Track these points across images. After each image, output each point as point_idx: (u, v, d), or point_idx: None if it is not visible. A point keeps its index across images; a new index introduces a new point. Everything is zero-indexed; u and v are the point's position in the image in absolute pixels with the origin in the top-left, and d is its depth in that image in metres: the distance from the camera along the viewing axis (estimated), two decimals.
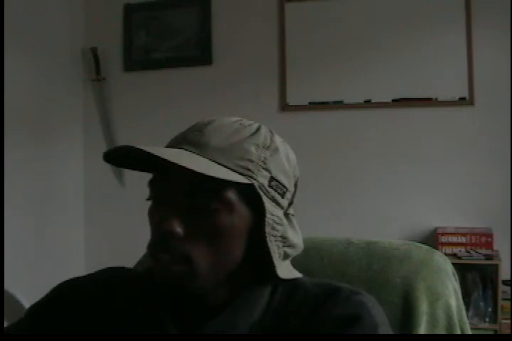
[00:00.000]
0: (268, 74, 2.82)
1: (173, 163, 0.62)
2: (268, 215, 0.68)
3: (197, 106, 2.87)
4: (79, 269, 2.89)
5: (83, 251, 3.01)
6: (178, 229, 0.65)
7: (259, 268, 0.72)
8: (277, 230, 0.70)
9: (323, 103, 2.75)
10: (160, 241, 0.66)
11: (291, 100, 2.79)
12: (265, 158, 0.69)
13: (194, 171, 0.62)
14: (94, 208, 3.03)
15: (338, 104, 2.73)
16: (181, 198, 0.66)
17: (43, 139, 2.74)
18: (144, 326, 0.71)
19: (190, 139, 0.69)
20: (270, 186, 0.69)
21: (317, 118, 2.77)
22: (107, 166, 3.00)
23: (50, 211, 2.77)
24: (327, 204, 2.73)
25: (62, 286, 0.80)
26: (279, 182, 0.70)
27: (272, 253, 0.70)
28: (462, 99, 2.59)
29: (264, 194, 0.68)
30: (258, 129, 0.72)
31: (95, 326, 0.73)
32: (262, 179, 0.68)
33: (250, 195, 0.68)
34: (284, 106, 2.80)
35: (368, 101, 2.70)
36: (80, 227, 3.02)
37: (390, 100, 2.67)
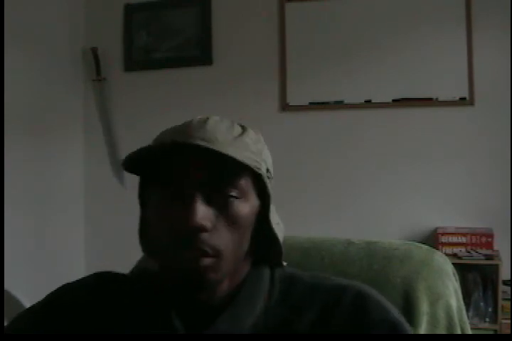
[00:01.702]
0: (268, 74, 2.82)
1: (193, 158, 0.66)
2: (272, 203, 0.72)
3: (197, 106, 2.87)
4: (79, 269, 2.89)
5: (83, 251, 3.01)
6: (208, 223, 0.65)
7: (258, 258, 0.74)
8: (274, 218, 0.74)
9: (323, 103, 2.75)
10: (187, 236, 0.65)
11: (292, 100, 2.79)
12: (260, 151, 0.73)
13: (213, 164, 0.65)
14: (94, 208, 3.03)
15: (338, 104, 2.73)
16: (202, 191, 0.67)
17: (43, 139, 2.74)
18: (149, 326, 0.71)
19: (197, 135, 0.69)
20: (267, 176, 0.72)
21: (317, 118, 2.77)
22: (107, 166, 3.01)
23: (50, 211, 2.77)
24: (327, 204, 2.73)
25: (56, 293, 0.79)
26: (271, 173, 0.74)
27: (279, 239, 0.74)
28: (462, 99, 2.59)
29: (267, 183, 0.72)
30: (243, 126, 0.75)
31: (95, 329, 0.73)
32: (263, 169, 0.71)
33: (257, 185, 0.71)
34: (285, 106, 2.80)
35: (368, 101, 2.70)
36: (79, 227, 3.02)
37: (390, 100, 2.67)
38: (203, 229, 0.65)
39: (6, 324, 0.79)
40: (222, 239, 0.67)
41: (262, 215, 0.72)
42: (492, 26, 2.56)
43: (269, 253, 0.75)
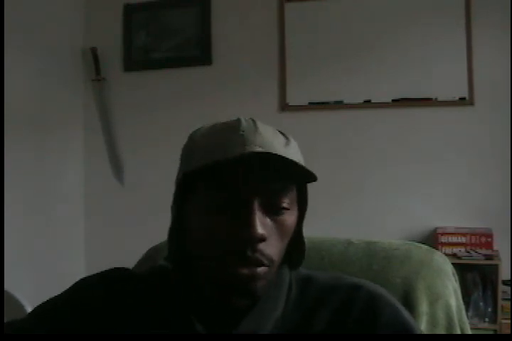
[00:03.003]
0: (268, 74, 2.82)
1: (252, 164, 0.65)
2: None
3: (197, 106, 2.87)
4: (79, 269, 2.89)
5: (83, 251, 3.01)
6: (265, 233, 0.65)
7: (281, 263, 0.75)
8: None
9: (323, 103, 2.75)
10: (245, 245, 0.65)
11: (291, 100, 2.79)
12: (302, 159, 0.73)
13: (271, 172, 0.65)
14: (94, 208, 3.03)
15: (338, 104, 2.73)
16: (260, 200, 0.66)
17: (43, 139, 2.74)
18: (169, 327, 0.70)
19: (255, 141, 0.67)
20: None
21: (317, 118, 2.77)
22: (107, 166, 3.01)
23: (50, 211, 2.77)
24: (327, 205, 2.73)
25: (75, 287, 0.79)
26: None
27: (306, 247, 0.75)
28: (462, 99, 2.59)
29: (307, 193, 0.73)
30: (282, 132, 0.74)
31: (113, 327, 0.72)
32: None
33: (299, 193, 0.72)
34: (284, 106, 2.80)
35: (367, 101, 2.70)
36: (79, 227, 3.02)
37: (390, 100, 2.67)
38: (262, 238, 0.64)
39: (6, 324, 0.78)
40: (275, 249, 0.68)
41: (297, 223, 0.73)
42: (492, 26, 2.56)
43: (291, 257, 0.75)
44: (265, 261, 0.66)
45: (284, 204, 0.68)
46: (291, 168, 0.67)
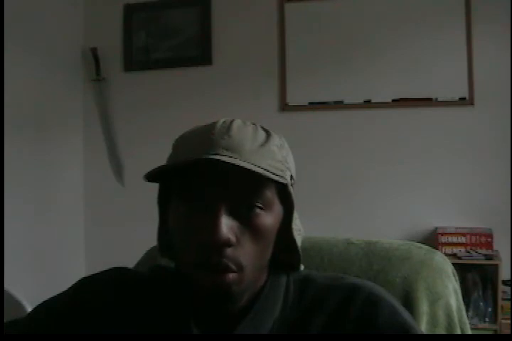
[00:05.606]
0: (268, 74, 2.82)
1: (217, 168, 0.63)
2: (294, 212, 0.71)
3: (197, 106, 2.87)
4: (79, 269, 2.89)
5: (83, 251, 3.01)
6: (232, 238, 0.64)
7: (275, 263, 0.74)
8: (296, 224, 0.74)
9: (323, 103, 2.75)
10: (211, 251, 0.64)
11: (291, 100, 2.79)
12: (285, 158, 0.71)
13: (238, 174, 0.63)
14: (94, 208, 3.03)
15: (338, 104, 2.73)
16: (226, 202, 0.65)
17: (43, 139, 2.74)
18: (166, 330, 0.70)
19: (222, 144, 0.66)
20: (291, 184, 0.72)
21: (317, 118, 2.77)
22: (107, 166, 3.01)
23: (50, 211, 2.77)
24: (327, 205, 2.73)
25: (75, 286, 0.79)
26: (294, 179, 0.73)
27: (298, 247, 0.73)
28: (462, 99, 2.59)
29: (291, 192, 0.70)
30: (266, 130, 0.72)
31: (110, 326, 0.72)
32: (288, 178, 0.70)
33: (281, 193, 0.70)
34: (284, 106, 2.80)
35: (367, 101, 2.70)
36: (79, 227, 3.02)
37: (390, 100, 2.67)
38: (227, 243, 0.63)
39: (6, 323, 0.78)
40: (245, 253, 0.65)
41: (285, 222, 0.71)
42: (492, 26, 2.56)
43: (287, 259, 0.75)
44: (233, 267, 0.64)
45: (258, 205, 0.66)
46: (254, 171, 0.64)
